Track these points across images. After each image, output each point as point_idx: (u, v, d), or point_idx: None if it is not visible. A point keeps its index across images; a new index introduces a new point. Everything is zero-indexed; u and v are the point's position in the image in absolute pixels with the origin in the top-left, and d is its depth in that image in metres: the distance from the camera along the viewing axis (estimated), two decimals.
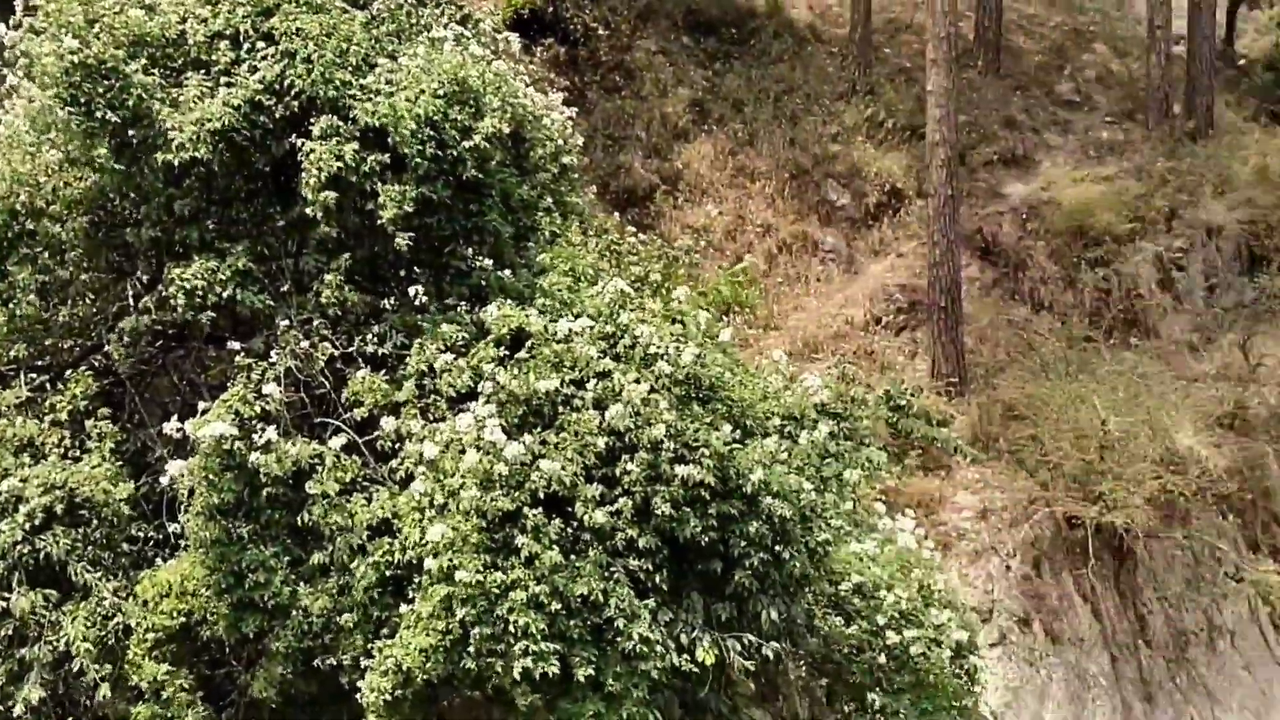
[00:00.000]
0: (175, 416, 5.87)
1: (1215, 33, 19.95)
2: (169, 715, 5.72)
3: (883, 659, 6.90)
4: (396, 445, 5.90)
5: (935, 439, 8.79)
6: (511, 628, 5.24)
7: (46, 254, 6.59)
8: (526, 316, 6.23)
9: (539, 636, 5.23)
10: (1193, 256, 16.36)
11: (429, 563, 5.36)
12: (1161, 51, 17.67)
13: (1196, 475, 12.60)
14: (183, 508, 5.82)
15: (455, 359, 6.02)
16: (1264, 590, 13.13)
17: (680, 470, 5.62)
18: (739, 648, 5.71)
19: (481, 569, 5.30)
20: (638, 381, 5.84)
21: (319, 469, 5.75)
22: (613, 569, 5.55)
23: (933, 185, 12.50)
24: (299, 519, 5.72)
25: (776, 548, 5.86)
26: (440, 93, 6.21)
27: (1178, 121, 17.91)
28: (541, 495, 5.61)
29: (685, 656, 5.60)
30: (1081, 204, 15.21)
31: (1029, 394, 12.24)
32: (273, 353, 6.08)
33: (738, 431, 6.08)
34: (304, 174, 6.03)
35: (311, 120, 6.17)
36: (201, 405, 5.83)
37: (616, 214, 10.81)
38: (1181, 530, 12.09)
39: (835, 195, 15.23)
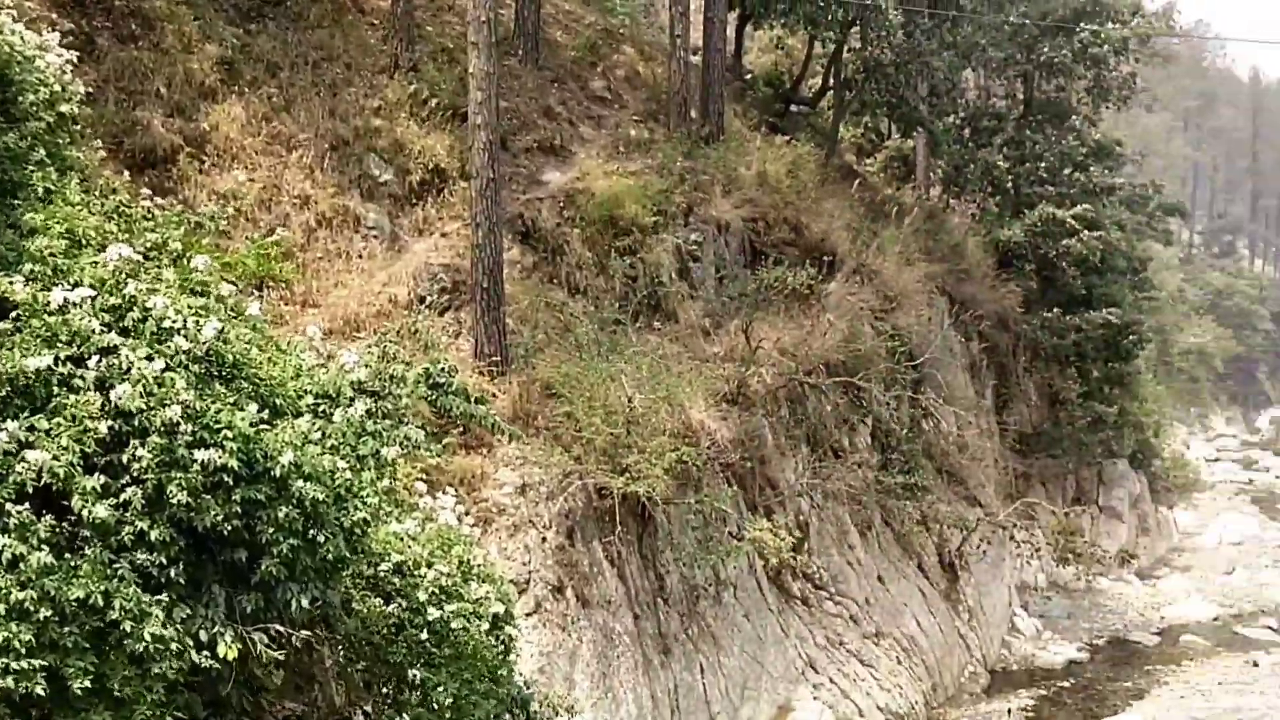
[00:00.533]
0: None
1: (726, 47, 22.24)
2: None
3: (424, 635, 6.92)
4: None
5: (474, 416, 8.93)
6: None
7: None
8: (10, 283, 5.42)
9: (22, 651, 4.57)
10: (706, 249, 18.12)
11: None
12: (681, 60, 19.33)
13: (707, 446, 14.02)
14: None
15: None
16: (759, 546, 14.95)
17: (200, 455, 5.19)
18: (266, 639, 5.41)
19: None
20: (150, 359, 5.31)
21: None
22: (117, 566, 5.00)
23: (475, 167, 12.67)
24: None
25: (310, 532, 5.63)
26: None
27: (695, 125, 19.69)
28: (30, 489, 4.93)
29: (206, 653, 5.21)
30: (612, 196, 16.22)
31: (565, 374, 12.85)
32: None
33: (266, 411, 5.73)
34: None
35: None
36: None
37: (129, 175, 9.70)
38: (694, 496, 13.36)
39: (378, 171, 14.93)
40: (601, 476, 11.67)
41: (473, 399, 8.67)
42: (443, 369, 8.13)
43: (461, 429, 11.01)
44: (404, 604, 6.95)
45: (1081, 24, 29.51)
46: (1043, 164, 30.56)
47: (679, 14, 19.40)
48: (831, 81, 26.48)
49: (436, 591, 7.03)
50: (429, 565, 7.17)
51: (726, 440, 14.80)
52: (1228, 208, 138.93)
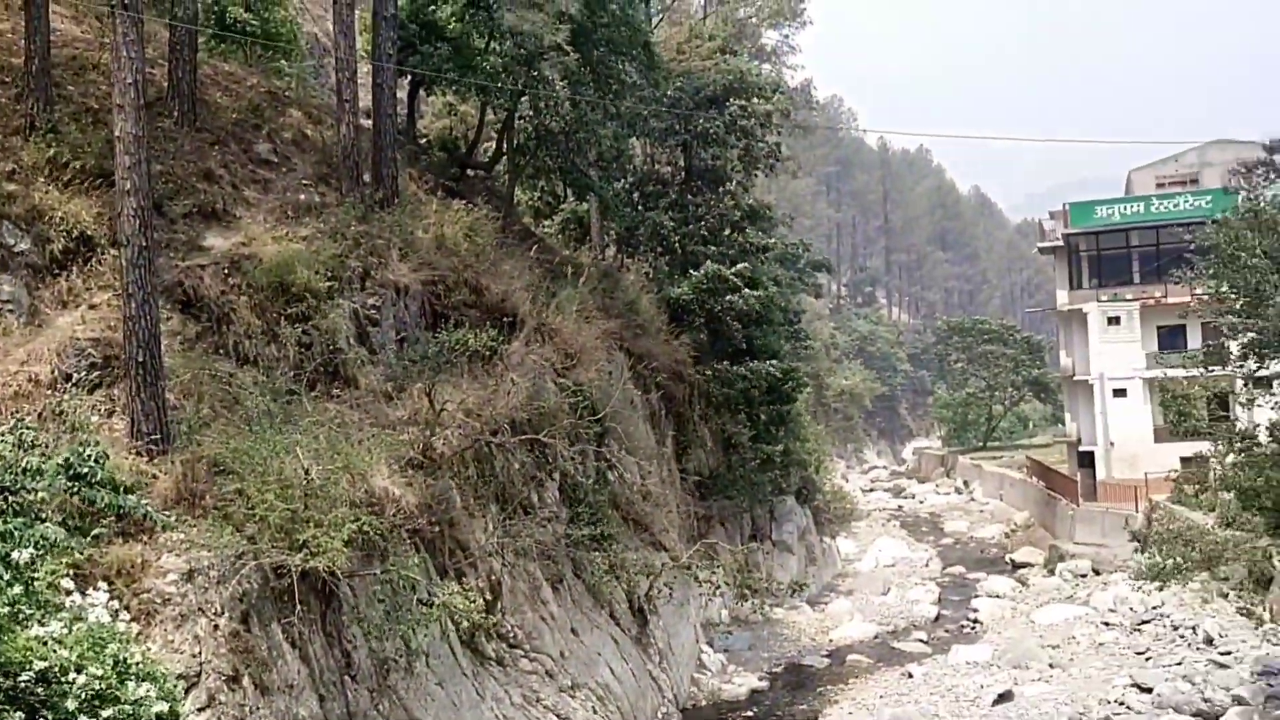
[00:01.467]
0: None
1: (397, 111, 22.22)
2: None
3: None
4: None
5: (122, 507, 8.29)
6: None
7: None
8: None
9: None
10: (385, 313, 17.87)
11: None
12: (350, 124, 19.12)
13: (392, 514, 13.75)
14: None
15: None
16: (451, 611, 14.80)
17: None
18: None
19: None
20: None
21: None
22: None
23: (125, 235, 11.85)
24: None
25: None
26: None
27: (368, 189, 19.48)
28: None
29: None
30: (282, 261, 15.68)
31: (235, 449, 12.20)
32: None
33: None
34: None
35: None
36: None
37: None
38: (380, 566, 13.05)
39: (13, 240, 13.62)
40: (277, 554, 11.13)
41: (121, 488, 8.06)
42: (88, 456, 7.50)
43: (118, 516, 10.16)
44: (50, 716, 6.33)
45: (731, 99, 32.14)
46: (704, 225, 32.83)
47: (347, 78, 19.21)
48: (505, 147, 27.13)
49: (89, 698, 6.46)
50: (79, 670, 6.58)
51: (413, 506, 14.58)
52: (867, 261, 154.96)
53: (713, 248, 32.38)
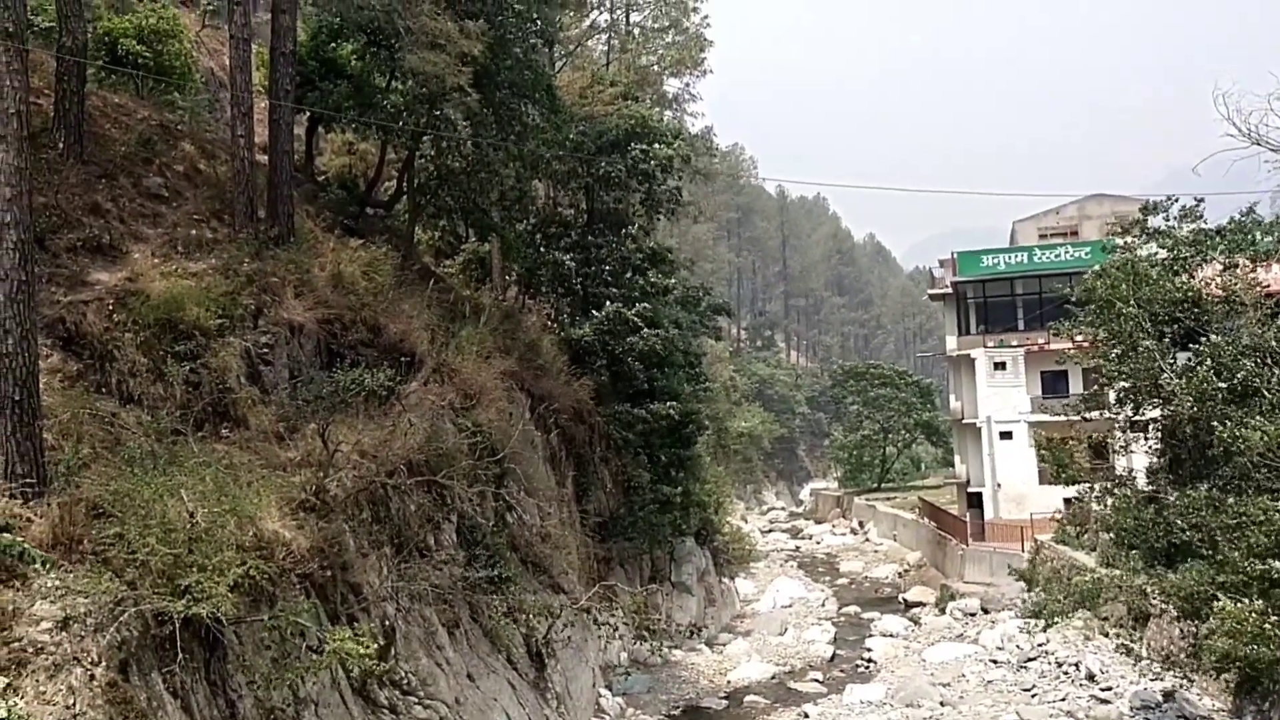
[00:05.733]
0: None
1: (294, 147, 21.92)
2: None
3: None
4: None
5: None
6: None
7: None
8: None
9: None
10: (278, 352, 17.50)
11: None
12: (245, 159, 18.79)
13: (282, 557, 13.39)
14: None
15: None
16: (342, 657, 14.41)
17: None
18: None
19: None
20: None
21: None
22: None
23: (3, 269, 11.42)
24: None
25: None
26: None
27: (263, 226, 19.13)
28: None
29: None
30: (171, 297, 15.27)
31: (116, 491, 11.75)
32: None
33: None
34: None
35: None
36: None
37: None
38: (268, 612, 12.67)
39: None
40: (159, 601, 10.73)
41: None
42: None
43: None
44: None
45: (633, 143, 32.56)
46: (607, 267, 33.06)
47: (242, 113, 18.91)
48: (406, 186, 26.97)
49: None
50: None
51: (304, 549, 14.22)
52: (766, 306, 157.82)
53: (614, 289, 32.59)
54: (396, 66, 23.27)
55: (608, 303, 31.78)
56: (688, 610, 34.47)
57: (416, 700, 16.62)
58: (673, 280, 37.39)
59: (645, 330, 31.82)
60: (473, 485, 20.47)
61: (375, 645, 15.27)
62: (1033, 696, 25.29)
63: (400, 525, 18.02)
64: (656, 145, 32.99)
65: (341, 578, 15.67)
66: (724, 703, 27.52)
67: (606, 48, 49.34)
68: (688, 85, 50.00)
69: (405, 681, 16.49)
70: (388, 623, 16.40)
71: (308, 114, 24.69)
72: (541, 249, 32.79)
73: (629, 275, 33.43)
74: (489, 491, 21.25)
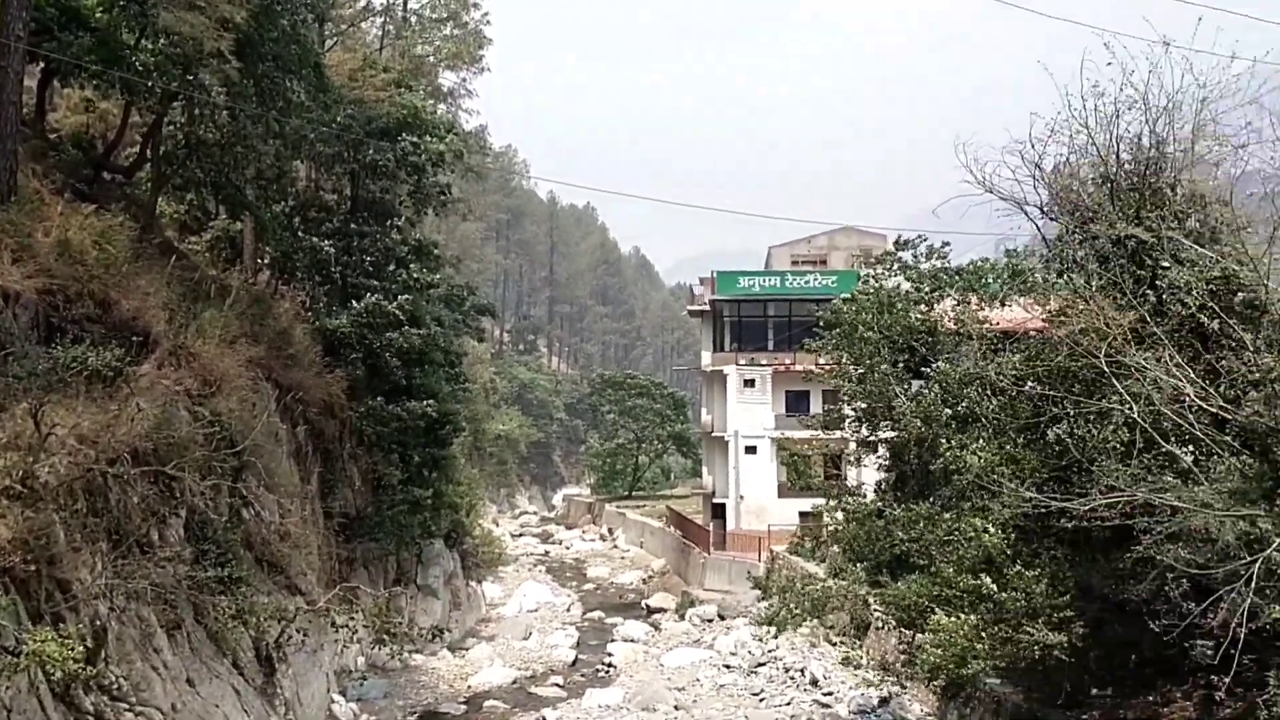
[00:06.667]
0: None
1: (22, 100, 19.89)
2: None
3: None
4: None
5: None
6: None
7: None
8: None
9: None
10: None
11: None
12: None
13: None
14: None
15: None
16: (43, 660, 13.08)
17: None
18: None
19: None
20: None
21: None
22: None
23: None
24: None
25: None
26: None
27: None
28: None
29: None
30: None
31: None
32: None
33: None
34: None
35: None
36: None
37: None
38: None
39: None
40: None
41: None
42: None
43: None
44: None
45: (404, 134, 31.69)
46: (369, 258, 31.95)
47: None
48: (151, 153, 25.03)
49: None
50: None
51: (5, 540, 12.85)
52: (531, 310, 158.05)
53: (376, 281, 31.54)
54: (149, 23, 21.53)
55: (368, 294, 30.71)
56: (432, 613, 33.78)
57: (127, 707, 15.35)
58: (438, 277, 36.64)
59: (406, 326, 30.97)
60: (206, 478, 19.13)
61: (82, 647, 13.99)
62: (761, 700, 26.40)
63: (120, 518, 16.61)
64: (428, 138, 32.24)
65: (48, 573, 14.26)
66: (463, 708, 27.12)
67: (381, 32, 47.87)
68: (464, 81, 49.35)
69: (115, 686, 15.19)
70: (99, 623, 15.05)
71: (41, 64, 22.45)
72: (300, 233, 31.25)
73: (392, 268, 32.48)
74: (225, 485, 19.97)
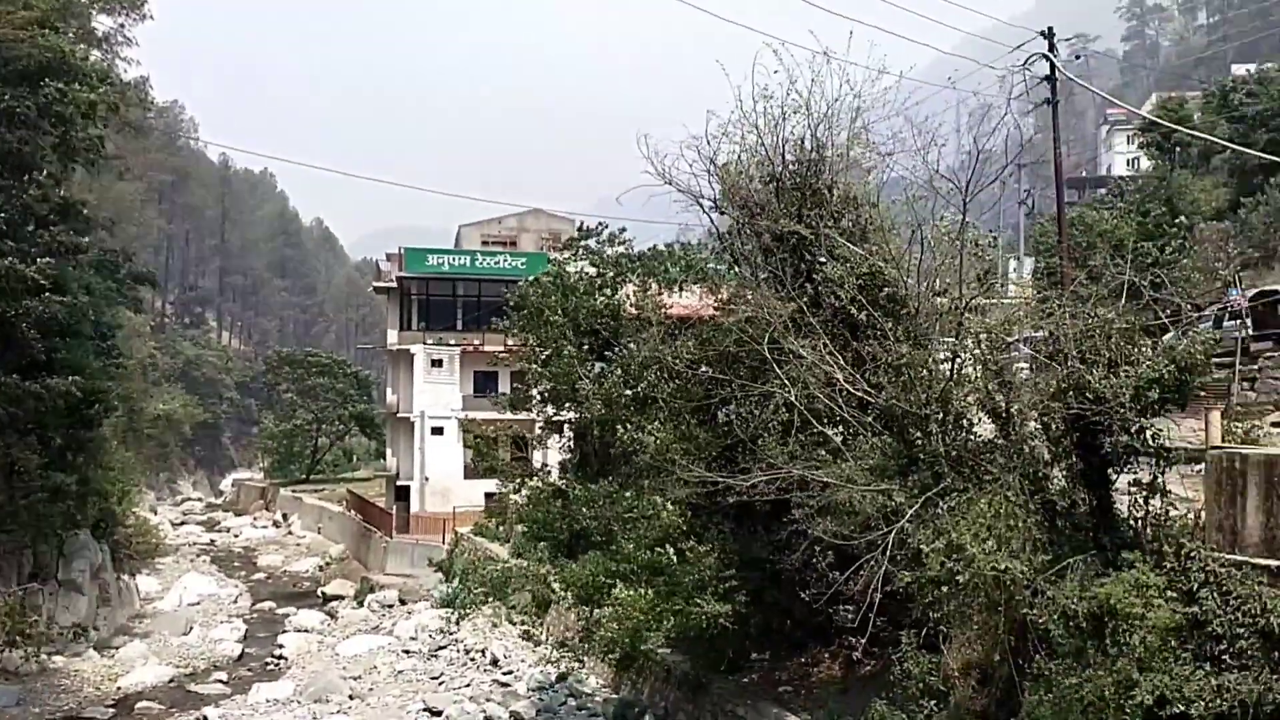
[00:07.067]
0: None
1: None
2: None
3: None
4: None
5: None
6: None
7: None
8: None
9: None
10: None
11: None
12: None
13: None
14: None
15: None
16: None
17: None
18: None
19: None
20: None
21: None
22: None
23: None
24: None
25: None
26: None
27: None
28: None
29: None
30: None
31: None
32: None
33: None
34: None
35: None
36: None
37: None
38: None
39: None
40: None
41: None
42: None
43: None
44: None
45: (48, 79, 28.35)
46: (3, 215, 28.35)
47: None
48: None
49: None
50: None
51: None
52: (199, 281, 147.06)
53: (11, 242, 28.01)
54: None
55: (3, 258, 27.24)
56: (76, 611, 30.70)
57: None
58: (87, 240, 33.18)
59: (48, 293, 27.77)
60: None
61: None
62: (440, 684, 26.14)
63: None
64: (77, 86, 29.03)
65: None
66: (110, 712, 24.85)
67: None
68: (122, 27, 44.76)
69: None
70: None
71: None
72: None
73: (32, 228, 29.01)
74: None
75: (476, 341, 47.45)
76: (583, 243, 24.76)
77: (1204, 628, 10.12)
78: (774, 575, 16.40)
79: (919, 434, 13.74)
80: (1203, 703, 9.66)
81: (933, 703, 13.25)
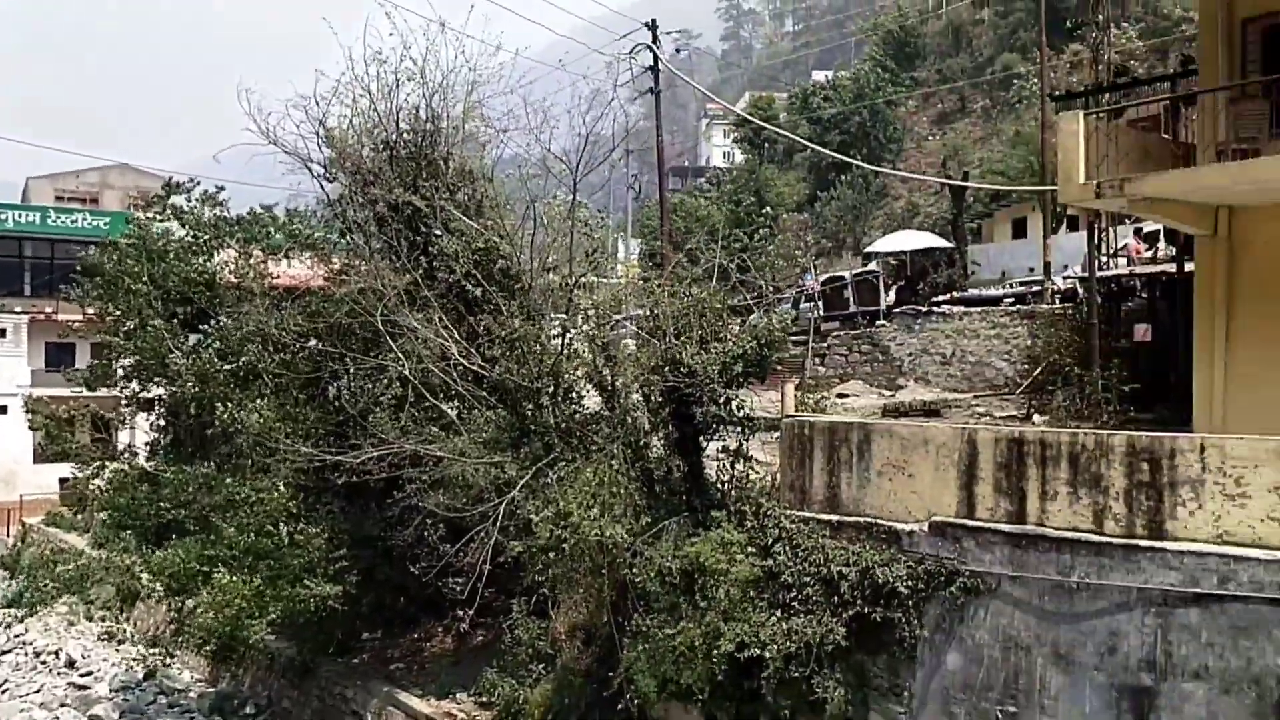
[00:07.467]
0: None
1: None
2: None
3: None
4: None
5: None
6: None
7: None
8: None
9: None
10: None
11: None
12: None
13: None
14: None
15: None
16: None
17: None
18: None
19: None
20: None
21: None
22: None
23: None
24: None
25: None
26: None
27: None
28: None
29: None
30: None
31: None
32: None
33: None
34: None
35: None
36: None
37: None
38: None
39: None
40: None
41: None
42: None
43: None
44: None
45: None
46: None
47: None
48: None
49: None
50: None
51: None
52: None
53: None
54: None
55: None
56: None
57: None
58: None
59: None
60: None
61: None
62: (4, 692, 23.16)
63: None
64: None
65: None
66: None
67: None
68: None
69: None
70: None
71: None
72: None
73: None
74: None
75: (49, 309, 42.25)
76: (170, 200, 22.68)
77: (778, 578, 11.22)
78: (386, 552, 16.14)
79: (531, 407, 14.05)
80: (775, 646, 10.72)
81: (541, 666, 13.70)
